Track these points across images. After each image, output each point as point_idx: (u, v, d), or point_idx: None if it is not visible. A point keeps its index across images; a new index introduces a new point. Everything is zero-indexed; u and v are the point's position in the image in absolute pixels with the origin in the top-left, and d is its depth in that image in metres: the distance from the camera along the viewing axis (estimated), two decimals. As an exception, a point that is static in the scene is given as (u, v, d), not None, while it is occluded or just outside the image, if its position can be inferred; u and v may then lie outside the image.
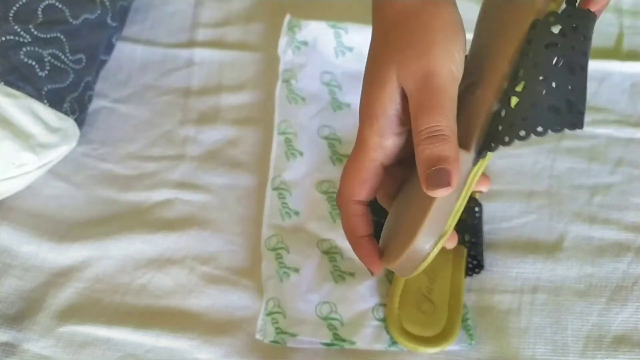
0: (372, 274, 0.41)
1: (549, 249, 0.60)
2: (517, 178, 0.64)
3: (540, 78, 0.36)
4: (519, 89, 0.37)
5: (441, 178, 0.36)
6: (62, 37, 0.63)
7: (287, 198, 0.63)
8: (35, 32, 0.61)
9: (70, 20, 0.63)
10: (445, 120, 0.36)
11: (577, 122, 0.36)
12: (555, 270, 0.59)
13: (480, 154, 0.38)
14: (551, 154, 0.65)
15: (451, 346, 0.54)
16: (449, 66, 0.36)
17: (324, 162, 0.65)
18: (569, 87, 0.36)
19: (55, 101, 0.62)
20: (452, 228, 0.38)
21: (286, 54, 0.70)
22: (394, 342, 0.55)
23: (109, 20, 0.68)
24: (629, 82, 0.70)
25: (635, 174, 0.64)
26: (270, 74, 0.71)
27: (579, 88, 0.36)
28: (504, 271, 0.59)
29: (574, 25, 0.37)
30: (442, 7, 0.37)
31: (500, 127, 0.37)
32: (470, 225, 0.59)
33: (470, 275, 0.59)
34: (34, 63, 0.60)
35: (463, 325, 0.55)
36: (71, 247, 0.61)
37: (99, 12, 0.66)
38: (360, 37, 0.70)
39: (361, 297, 0.57)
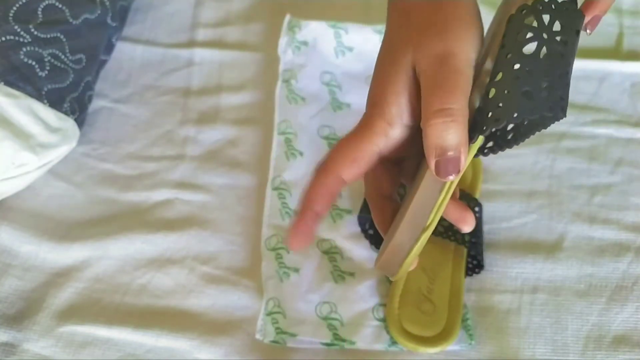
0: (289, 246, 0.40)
1: (549, 249, 0.60)
2: (517, 178, 0.64)
3: (516, 67, 0.36)
4: (497, 80, 0.37)
5: (451, 166, 0.36)
6: (62, 37, 0.63)
7: (287, 198, 0.63)
8: (35, 32, 0.61)
9: (70, 20, 0.63)
10: (458, 103, 0.35)
11: (554, 107, 0.36)
12: (555, 270, 0.59)
13: None
14: (551, 154, 0.65)
15: (451, 346, 0.54)
16: (467, 49, 0.36)
17: (324, 162, 0.65)
18: (544, 73, 0.36)
19: (55, 101, 0.62)
20: (435, 222, 0.38)
21: (286, 54, 0.70)
22: (394, 342, 0.55)
23: (109, 20, 0.68)
24: (629, 82, 0.70)
25: (635, 174, 0.64)
26: (270, 74, 0.71)
27: (558, 74, 0.37)
28: (504, 271, 0.59)
29: (549, 15, 0.37)
30: None
31: (478, 118, 0.37)
32: (470, 225, 0.59)
33: (470, 275, 0.59)
34: (34, 63, 0.60)
35: (463, 325, 0.55)
36: (71, 247, 0.61)
37: (99, 12, 0.66)
38: (360, 37, 0.69)
39: (361, 297, 0.57)
